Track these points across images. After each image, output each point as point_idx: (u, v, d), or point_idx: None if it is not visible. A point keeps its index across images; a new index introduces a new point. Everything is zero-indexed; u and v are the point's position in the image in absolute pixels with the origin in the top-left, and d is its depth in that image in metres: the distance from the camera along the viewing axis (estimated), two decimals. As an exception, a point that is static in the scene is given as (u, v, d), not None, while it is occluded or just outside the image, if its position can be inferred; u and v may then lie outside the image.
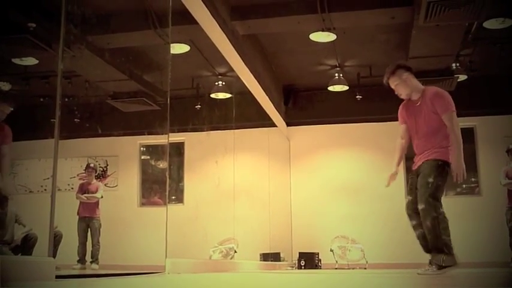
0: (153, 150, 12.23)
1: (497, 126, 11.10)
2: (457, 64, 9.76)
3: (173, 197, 11.50)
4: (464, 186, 11.54)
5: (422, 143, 5.13)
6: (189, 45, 8.95)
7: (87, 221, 9.36)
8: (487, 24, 8.38)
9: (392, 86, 5.27)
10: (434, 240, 4.83)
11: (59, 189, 3.67)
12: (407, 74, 5.18)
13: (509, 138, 10.44)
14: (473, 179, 11.45)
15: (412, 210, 5.11)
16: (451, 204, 10.82)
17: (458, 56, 9.66)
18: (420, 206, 4.93)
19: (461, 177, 4.90)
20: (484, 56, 9.89)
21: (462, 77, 10.00)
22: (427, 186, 4.92)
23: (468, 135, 11.10)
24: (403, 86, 5.20)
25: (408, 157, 5.48)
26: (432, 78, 9.60)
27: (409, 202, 5.16)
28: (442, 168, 4.95)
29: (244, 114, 9.73)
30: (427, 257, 5.08)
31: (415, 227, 5.12)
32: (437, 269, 4.78)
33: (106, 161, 11.86)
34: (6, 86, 8.24)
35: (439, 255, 4.80)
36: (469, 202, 11.11)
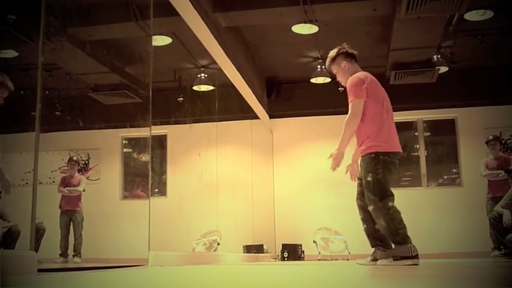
0: (135, 143, 12.19)
1: (478, 117, 11.17)
2: (438, 56, 9.80)
3: (156, 190, 11.48)
4: (445, 177, 11.63)
5: (356, 132, 5.10)
6: (171, 37, 8.91)
7: (70, 214, 9.32)
8: (468, 16, 8.44)
9: (334, 72, 5.32)
10: (393, 236, 4.80)
11: (40, 183, 3.65)
12: (346, 62, 5.20)
13: (489, 129, 10.53)
14: (454, 170, 11.54)
15: (360, 203, 5.17)
16: (432, 195, 11.09)
17: (440, 47, 9.70)
18: (369, 208, 4.93)
19: (333, 167, 5.11)
20: (465, 48, 9.95)
21: (443, 69, 10.04)
22: (369, 186, 4.92)
23: (449, 126, 11.20)
24: (341, 74, 5.25)
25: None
26: (414, 70, 9.66)
27: (357, 193, 5.24)
28: (376, 159, 4.91)
29: (226, 106, 9.71)
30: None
31: (362, 220, 5.14)
32: (394, 260, 4.74)
33: (88, 154, 11.80)
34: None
35: (404, 246, 4.73)
36: (450, 193, 11.19)
